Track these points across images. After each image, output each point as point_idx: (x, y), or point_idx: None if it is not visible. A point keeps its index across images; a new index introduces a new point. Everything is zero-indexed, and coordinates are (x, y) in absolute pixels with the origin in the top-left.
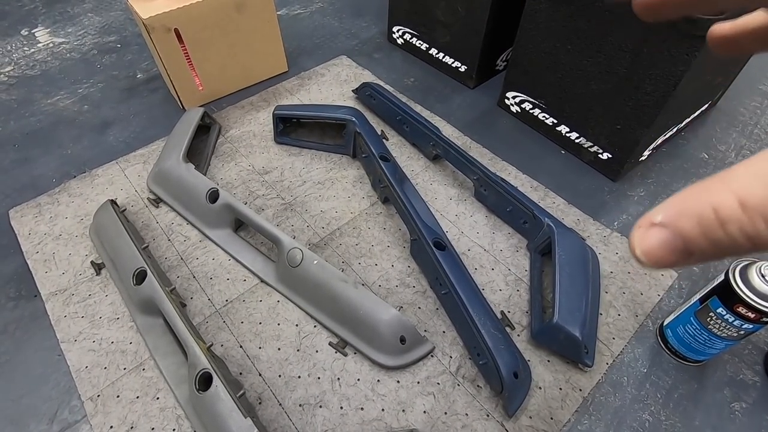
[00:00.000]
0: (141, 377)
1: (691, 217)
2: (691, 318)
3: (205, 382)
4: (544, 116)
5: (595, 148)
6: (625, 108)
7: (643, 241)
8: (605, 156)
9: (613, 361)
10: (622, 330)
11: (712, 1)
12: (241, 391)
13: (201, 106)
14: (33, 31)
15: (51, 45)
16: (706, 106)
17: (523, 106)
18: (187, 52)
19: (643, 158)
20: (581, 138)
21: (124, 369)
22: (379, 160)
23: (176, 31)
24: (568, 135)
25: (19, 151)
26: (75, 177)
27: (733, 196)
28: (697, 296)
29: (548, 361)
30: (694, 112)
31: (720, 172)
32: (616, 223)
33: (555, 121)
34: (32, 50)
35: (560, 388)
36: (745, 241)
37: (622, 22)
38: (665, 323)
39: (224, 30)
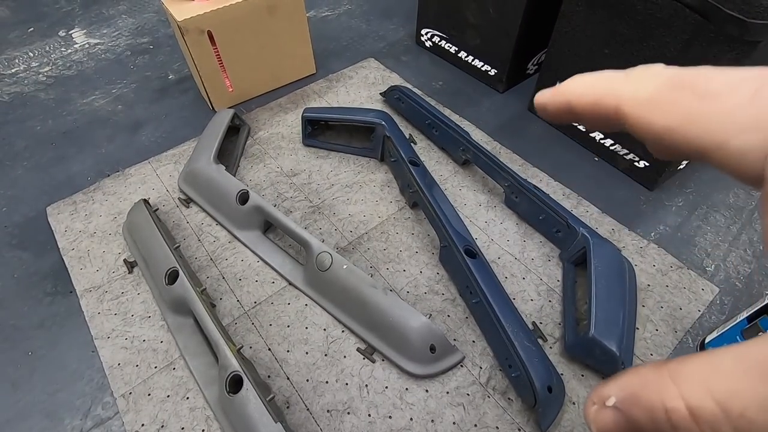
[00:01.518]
0: (171, 376)
1: (644, 410)
2: (738, 337)
3: (235, 384)
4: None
5: (631, 156)
6: None
7: (597, 419)
8: (642, 164)
9: None
10: (660, 346)
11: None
12: (271, 395)
13: (230, 107)
14: (70, 32)
15: (87, 46)
16: None
17: None
18: (218, 54)
19: (681, 167)
20: (616, 145)
21: (155, 367)
22: (409, 165)
23: (209, 33)
24: (602, 141)
25: (57, 150)
26: (109, 176)
27: (687, 402)
28: (745, 314)
29: (582, 375)
30: None
31: (675, 360)
32: (653, 234)
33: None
34: (69, 51)
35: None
36: None
37: (665, 26)
38: (707, 340)
39: (255, 32)
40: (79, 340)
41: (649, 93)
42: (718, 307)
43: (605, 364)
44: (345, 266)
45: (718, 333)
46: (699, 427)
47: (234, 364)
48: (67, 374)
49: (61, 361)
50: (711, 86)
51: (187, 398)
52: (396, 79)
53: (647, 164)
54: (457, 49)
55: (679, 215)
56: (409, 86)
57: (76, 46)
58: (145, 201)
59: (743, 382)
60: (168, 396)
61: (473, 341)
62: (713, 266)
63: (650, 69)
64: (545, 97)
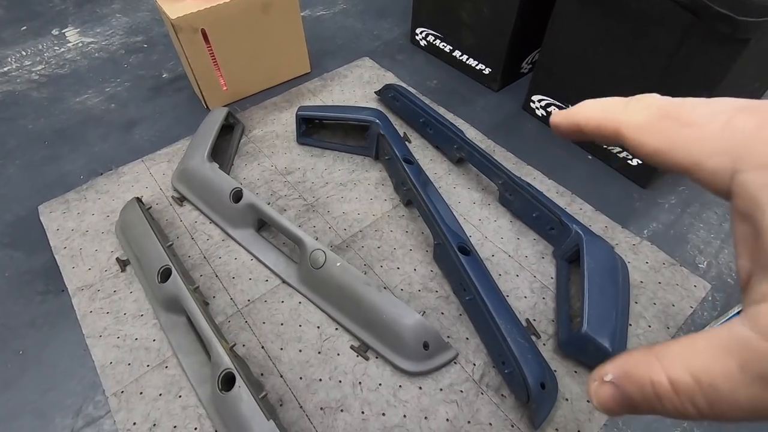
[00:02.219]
0: (164, 375)
1: (634, 384)
2: None
3: (227, 382)
4: None
5: (624, 154)
6: None
7: (597, 393)
8: (635, 162)
9: None
10: (652, 342)
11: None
12: (264, 393)
13: (225, 106)
14: (63, 31)
15: (80, 44)
16: None
17: (549, 109)
18: (212, 53)
19: None
20: None
21: (148, 366)
22: (403, 163)
23: (203, 32)
24: None
25: (49, 148)
26: (102, 174)
27: (668, 377)
28: (735, 310)
29: (575, 372)
30: None
31: (661, 344)
32: (645, 231)
33: None
34: (62, 49)
35: (588, 401)
36: (677, 414)
37: (658, 24)
38: None
39: (250, 31)
40: (70, 339)
41: (643, 120)
42: (710, 303)
43: (598, 360)
44: (339, 264)
45: (710, 329)
46: (678, 397)
47: (226, 362)
48: (58, 373)
49: (52, 360)
50: (692, 116)
51: (180, 396)
52: (391, 78)
53: (640, 162)
54: (451, 48)
55: (672, 213)
56: (404, 85)
57: (69, 44)
58: (138, 199)
59: (712, 358)
60: (160, 394)
61: (467, 338)
62: (705, 263)
63: (645, 99)
64: (559, 117)
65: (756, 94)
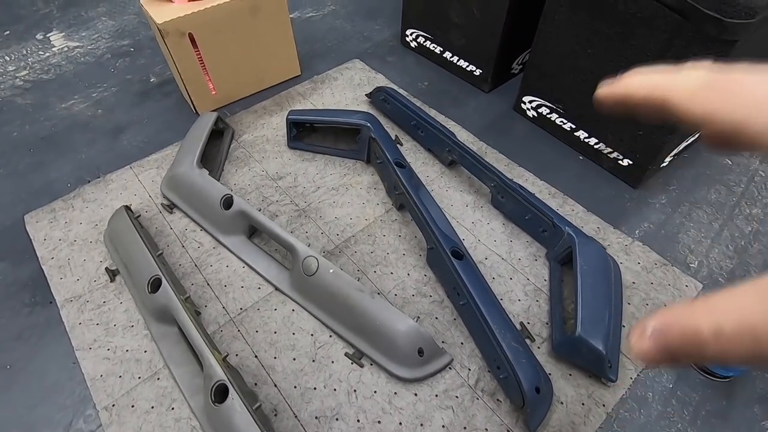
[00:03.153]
0: (156, 387)
1: (677, 333)
2: None
3: (221, 393)
4: (561, 121)
5: (615, 154)
6: None
7: (638, 345)
8: (625, 162)
9: (638, 375)
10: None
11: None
12: (258, 404)
13: (214, 110)
14: (48, 36)
15: (66, 49)
16: None
17: (540, 110)
18: (200, 57)
19: (664, 164)
20: (600, 144)
21: (139, 378)
22: (395, 167)
23: (190, 36)
24: (586, 140)
25: (35, 155)
26: (89, 182)
27: (711, 325)
28: None
29: (570, 374)
30: None
31: (704, 296)
32: (637, 232)
33: (573, 127)
34: (47, 54)
35: (583, 404)
36: (718, 362)
37: (646, 25)
38: None
39: (238, 34)
40: (59, 351)
41: (694, 87)
42: None
43: (592, 362)
44: (331, 270)
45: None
46: (720, 344)
47: (219, 374)
48: (47, 387)
49: (40, 374)
50: (741, 87)
51: (172, 409)
52: (381, 80)
53: (631, 162)
54: (442, 49)
55: (663, 212)
56: (395, 87)
57: (54, 49)
58: (127, 207)
59: (753, 304)
60: (152, 407)
61: (461, 343)
62: (696, 262)
63: (697, 67)
64: (606, 90)
65: None
